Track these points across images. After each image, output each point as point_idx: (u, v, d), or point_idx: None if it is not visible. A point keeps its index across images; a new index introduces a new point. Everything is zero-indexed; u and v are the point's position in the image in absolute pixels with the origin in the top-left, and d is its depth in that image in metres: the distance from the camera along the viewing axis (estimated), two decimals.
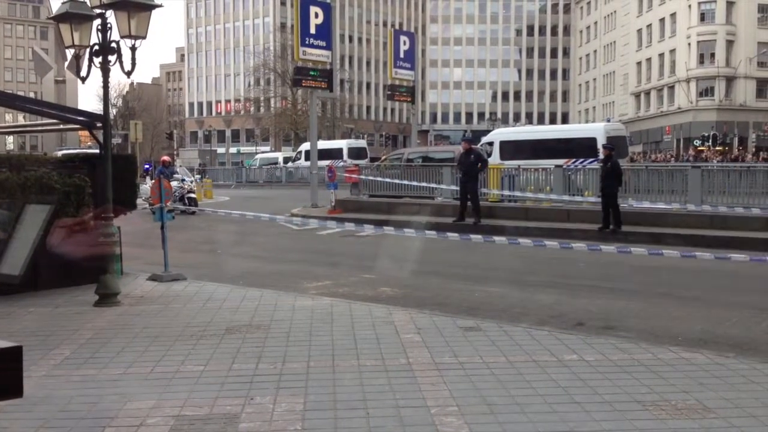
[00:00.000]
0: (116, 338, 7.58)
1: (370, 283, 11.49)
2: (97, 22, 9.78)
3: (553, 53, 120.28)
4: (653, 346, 7.12)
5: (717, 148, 55.75)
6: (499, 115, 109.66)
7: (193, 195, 25.70)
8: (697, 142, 60.20)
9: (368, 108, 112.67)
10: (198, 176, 37.65)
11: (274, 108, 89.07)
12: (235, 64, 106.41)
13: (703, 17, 67.84)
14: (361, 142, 57.49)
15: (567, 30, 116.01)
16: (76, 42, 9.97)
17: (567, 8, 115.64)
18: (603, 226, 16.93)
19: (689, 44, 68.38)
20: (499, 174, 21.18)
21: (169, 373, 6.32)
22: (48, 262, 9.10)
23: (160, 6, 10.18)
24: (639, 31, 79.39)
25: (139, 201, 17.74)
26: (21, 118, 61.69)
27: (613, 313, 9.14)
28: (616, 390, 5.72)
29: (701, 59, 67.93)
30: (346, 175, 26.78)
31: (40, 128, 17.37)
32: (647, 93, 77.95)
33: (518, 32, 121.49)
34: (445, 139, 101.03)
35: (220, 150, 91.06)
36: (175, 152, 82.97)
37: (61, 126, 13.26)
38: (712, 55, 67.27)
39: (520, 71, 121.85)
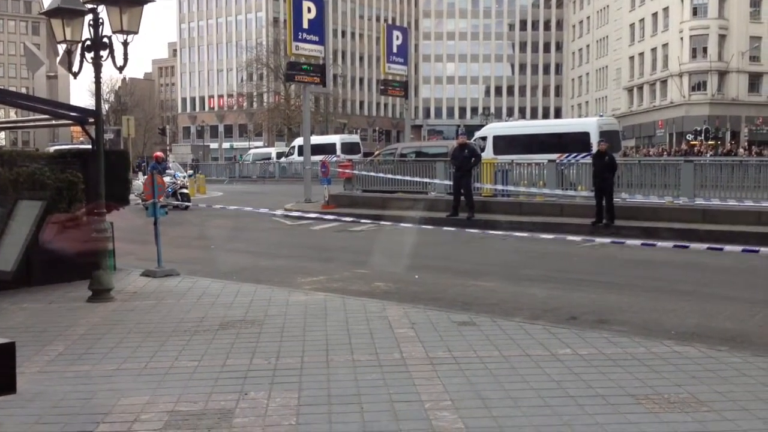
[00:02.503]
0: (110, 334, 7.57)
1: (363, 277, 11.49)
2: (89, 17, 9.74)
3: (546, 48, 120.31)
4: (646, 339, 7.15)
5: (709, 142, 55.90)
6: (492, 110, 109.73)
7: (185, 190, 25.65)
8: (689, 137, 60.35)
9: (361, 103, 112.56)
10: (191, 171, 37.55)
11: (267, 103, 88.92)
12: (228, 59, 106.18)
13: (695, 12, 67.91)
14: (355, 137, 57.39)
15: (560, 24, 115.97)
16: (68, 37, 9.93)
17: (560, 3, 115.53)
18: (596, 221, 16.96)
19: (682, 39, 68.47)
20: (493, 169, 21.18)
21: (163, 368, 6.31)
22: (41, 258, 9.09)
23: (152, 1, 10.15)
24: (632, 25, 79.47)
25: (131, 197, 17.69)
26: (13, 114, 61.43)
27: (607, 307, 9.16)
28: (610, 384, 5.73)
29: (694, 54, 68.01)
30: (340, 170, 26.76)
31: (32, 124, 17.32)
32: (640, 87, 78.05)
33: (511, 27, 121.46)
34: (439, 134, 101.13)
35: (213, 145, 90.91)
36: (167, 148, 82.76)
37: (53, 121, 13.22)
38: (705, 49, 67.35)
39: (513, 66, 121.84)
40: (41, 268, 9.52)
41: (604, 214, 16.91)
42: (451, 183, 20.01)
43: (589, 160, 19.61)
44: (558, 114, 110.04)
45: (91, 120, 10.18)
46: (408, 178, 22.81)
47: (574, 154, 22.54)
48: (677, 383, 5.72)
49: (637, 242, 12.12)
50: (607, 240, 12.84)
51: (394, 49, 33.71)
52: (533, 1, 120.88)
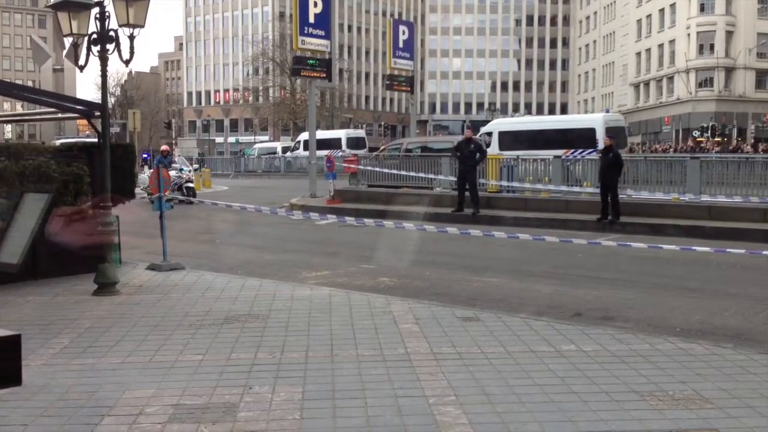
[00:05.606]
0: (115, 327, 7.59)
1: (368, 272, 11.49)
2: (96, 10, 9.74)
3: (553, 43, 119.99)
4: (651, 336, 7.14)
5: (716, 139, 55.72)
6: (498, 106, 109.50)
7: (191, 184, 25.69)
8: (696, 133, 60.17)
9: (367, 98, 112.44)
10: (196, 166, 37.58)
11: (273, 97, 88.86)
12: (234, 53, 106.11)
13: (702, 8, 67.66)
14: (360, 132, 57.38)
15: (566, 20, 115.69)
16: (75, 30, 9.93)
17: None
18: (601, 217, 16.94)
19: (689, 35, 68.23)
20: (498, 164, 21.15)
21: (168, 362, 6.33)
22: (47, 251, 9.12)
23: None
24: (638, 21, 79.22)
25: (137, 190, 17.73)
26: (19, 107, 61.52)
27: (611, 304, 9.15)
28: (614, 380, 5.73)
29: (701, 50, 67.79)
30: (345, 165, 26.77)
31: (38, 117, 17.35)
32: (646, 84, 77.84)
33: (518, 22, 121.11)
34: (444, 129, 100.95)
35: (219, 139, 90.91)
36: (173, 141, 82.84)
37: (60, 115, 13.24)
38: (712, 45, 67.12)
39: (519, 61, 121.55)
40: (47, 260, 9.55)
41: (609, 211, 16.88)
42: (456, 178, 19.99)
43: (595, 156, 19.60)
44: (564, 110, 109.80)
45: (97, 113, 10.19)
46: (413, 173, 22.80)
47: (580, 150, 22.50)
48: (682, 380, 5.72)
49: (642, 240, 12.09)
50: (612, 237, 12.83)
51: (400, 44, 33.64)
52: None
